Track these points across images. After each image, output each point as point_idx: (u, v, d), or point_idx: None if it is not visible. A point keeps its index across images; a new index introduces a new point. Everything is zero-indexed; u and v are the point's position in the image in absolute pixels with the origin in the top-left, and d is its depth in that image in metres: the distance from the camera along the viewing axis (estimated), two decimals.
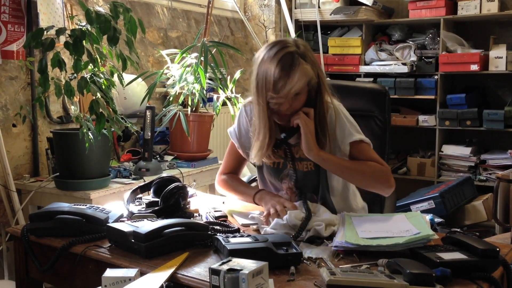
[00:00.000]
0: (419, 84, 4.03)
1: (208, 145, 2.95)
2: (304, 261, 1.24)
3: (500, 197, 3.25)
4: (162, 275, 1.14)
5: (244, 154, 1.78)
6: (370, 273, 1.12)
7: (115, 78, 2.11)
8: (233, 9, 4.05)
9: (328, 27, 4.42)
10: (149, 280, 1.12)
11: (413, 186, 4.07)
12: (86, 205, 1.51)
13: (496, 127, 3.81)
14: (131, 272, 1.14)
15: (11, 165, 2.38)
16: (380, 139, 1.89)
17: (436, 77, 3.99)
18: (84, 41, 1.91)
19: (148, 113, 2.54)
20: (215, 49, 2.82)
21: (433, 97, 4.00)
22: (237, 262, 1.06)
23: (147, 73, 2.79)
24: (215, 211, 1.62)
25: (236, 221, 1.58)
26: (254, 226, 1.52)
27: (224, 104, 2.81)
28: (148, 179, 2.33)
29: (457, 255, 1.20)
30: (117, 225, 1.34)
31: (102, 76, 2.00)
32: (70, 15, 2.60)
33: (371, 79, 4.11)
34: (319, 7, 4.22)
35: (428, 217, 3.40)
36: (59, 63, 1.90)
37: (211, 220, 1.55)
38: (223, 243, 1.23)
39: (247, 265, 1.05)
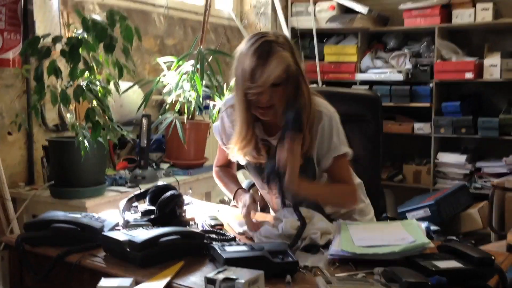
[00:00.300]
0: (414, 92, 4.04)
1: (204, 153, 2.95)
2: (300, 269, 1.24)
3: (495, 205, 3.26)
4: (157, 284, 1.14)
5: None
6: (366, 282, 1.12)
7: (111, 86, 2.11)
8: (229, 17, 4.06)
9: (324, 35, 4.44)
10: None
11: (409, 193, 4.07)
12: (81, 214, 1.50)
13: (491, 135, 3.82)
14: (126, 281, 1.13)
15: (6, 173, 2.37)
16: (373, 142, 1.97)
17: (431, 85, 4.01)
18: (80, 49, 1.91)
19: (144, 121, 2.54)
20: (211, 57, 2.83)
21: (428, 104, 4.02)
22: (233, 271, 1.06)
23: (143, 81, 2.80)
24: (211, 219, 1.62)
25: (232, 229, 1.58)
26: (250, 234, 1.52)
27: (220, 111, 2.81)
28: (144, 187, 2.32)
29: (452, 264, 1.21)
30: (112, 234, 1.34)
31: (98, 84, 2.00)
32: (67, 23, 2.60)
33: (367, 87, 4.12)
34: (315, 15, 4.24)
35: (424, 225, 3.41)
36: (55, 71, 1.90)
37: (207, 228, 1.55)
38: (219, 251, 1.23)
39: (243, 274, 1.05)
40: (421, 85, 4.05)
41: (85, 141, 2.00)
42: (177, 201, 1.56)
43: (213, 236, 1.43)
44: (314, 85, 2.54)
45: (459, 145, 4.13)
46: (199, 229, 1.54)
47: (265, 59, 1.45)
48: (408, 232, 1.39)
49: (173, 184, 1.78)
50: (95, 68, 1.99)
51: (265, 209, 1.75)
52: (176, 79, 2.68)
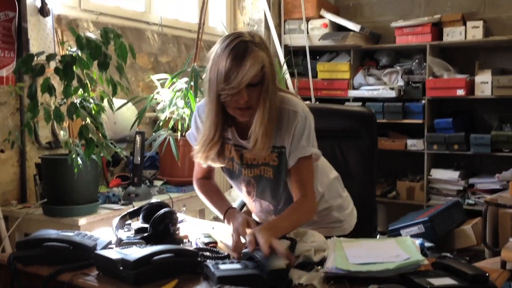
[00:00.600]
0: (407, 109, 4.08)
1: None
2: (295, 287, 1.23)
3: (489, 222, 3.27)
4: None
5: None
6: None
7: (105, 103, 2.11)
8: (223, 35, 4.08)
9: (317, 52, 4.48)
10: None
11: (403, 210, 4.08)
12: (74, 232, 1.49)
13: (483, 151, 3.85)
14: None
15: None
16: (368, 159, 1.97)
17: (423, 101, 4.04)
18: (74, 66, 1.92)
19: (138, 138, 2.54)
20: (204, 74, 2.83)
21: (420, 121, 4.05)
22: None
23: (137, 98, 2.80)
24: (204, 237, 1.61)
25: (227, 247, 1.57)
26: (245, 250, 1.50)
27: None
28: (137, 204, 2.30)
29: (447, 281, 1.20)
30: (105, 252, 1.32)
31: (92, 101, 2.00)
32: (61, 40, 2.61)
33: (360, 104, 4.15)
34: (308, 33, 4.28)
35: (418, 241, 3.40)
36: (49, 89, 1.90)
37: (201, 246, 1.54)
38: (212, 270, 1.22)
39: None
40: (413, 101, 4.09)
41: (78, 159, 2.00)
42: (170, 219, 1.55)
43: (207, 254, 1.43)
44: (308, 102, 2.55)
45: (452, 162, 4.15)
46: (193, 246, 1.53)
47: (240, 60, 1.41)
48: (402, 249, 1.38)
49: (166, 202, 1.77)
50: (89, 85, 1.99)
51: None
52: (170, 96, 2.69)
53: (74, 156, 1.97)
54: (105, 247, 1.45)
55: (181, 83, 2.71)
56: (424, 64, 4.08)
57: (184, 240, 1.57)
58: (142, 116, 2.68)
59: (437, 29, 4.06)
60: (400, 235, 3.54)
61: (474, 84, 3.88)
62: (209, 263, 1.28)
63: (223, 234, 1.69)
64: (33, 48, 2.50)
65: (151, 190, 2.65)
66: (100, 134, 2.03)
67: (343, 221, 1.77)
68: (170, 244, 1.44)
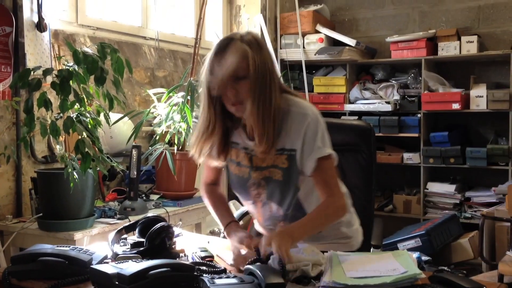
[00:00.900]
0: (403, 122, 4.09)
1: (194, 184, 2.94)
2: None
3: (485, 235, 3.27)
4: None
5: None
6: None
7: (102, 117, 2.11)
8: None
9: (313, 67, 4.50)
10: None
11: (400, 223, 4.07)
12: (69, 247, 1.48)
13: (479, 165, 3.86)
14: None
15: None
16: (366, 172, 1.98)
17: (419, 115, 4.06)
18: (71, 81, 1.92)
19: (134, 152, 2.54)
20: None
21: (416, 135, 4.06)
22: None
23: (133, 112, 2.81)
24: (201, 251, 1.60)
25: (223, 261, 1.57)
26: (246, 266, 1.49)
27: None
28: (133, 218, 2.31)
29: None
30: (101, 267, 1.32)
31: (88, 115, 2.01)
32: (58, 55, 2.62)
33: (356, 117, 4.16)
34: (304, 47, 4.31)
35: (415, 255, 3.40)
36: (45, 103, 1.90)
37: (197, 260, 1.53)
38: (208, 284, 1.21)
39: None
40: (409, 115, 4.11)
41: (74, 173, 1.99)
42: (167, 233, 1.55)
43: (203, 268, 1.42)
44: None
45: (448, 175, 4.16)
46: (189, 261, 1.52)
47: (222, 52, 1.49)
48: (399, 263, 1.38)
49: (163, 216, 1.77)
50: (85, 99, 2.00)
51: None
52: (167, 111, 2.70)
53: (70, 170, 1.96)
54: (101, 261, 1.44)
55: (178, 97, 2.72)
56: (420, 78, 4.10)
57: (181, 255, 1.56)
58: (138, 130, 2.68)
59: (432, 43, 4.09)
60: (396, 248, 3.54)
61: (469, 98, 3.91)
62: (205, 277, 1.27)
63: (220, 248, 1.69)
64: (30, 63, 2.50)
65: (147, 204, 2.64)
66: (97, 148, 2.02)
67: (351, 237, 1.76)
68: (166, 259, 1.43)
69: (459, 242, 3.70)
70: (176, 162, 2.72)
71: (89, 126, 1.99)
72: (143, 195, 2.76)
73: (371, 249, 1.85)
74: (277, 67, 1.62)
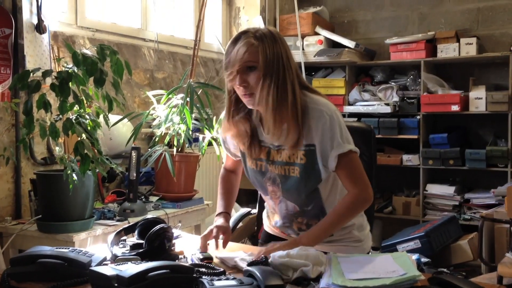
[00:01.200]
0: (402, 124, 4.09)
1: (193, 186, 2.94)
2: None
3: (485, 237, 3.27)
4: None
5: (230, 154, 1.85)
6: None
7: (101, 119, 2.11)
8: (218, 51, 4.12)
9: (312, 68, 4.51)
10: None
11: (399, 225, 4.07)
12: (68, 248, 1.48)
13: (479, 167, 3.86)
14: None
15: None
16: (367, 173, 1.94)
17: (418, 117, 4.06)
18: (70, 83, 1.92)
19: (133, 153, 2.54)
20: (200, 90, 2.85)
21: (416, 136, 4.06)
22: None
23: (133, 114, 2.80)
24: (200, 253, 1.60)
25: (223, 263, 1.56)
26: (241, 263, 1.49)
27: (210, 144, 2.82)
28: (132, 220, 2.30)
29: None
30: (100, 269, 1.31)
31: (87, 117, 2.01)
32: (57, 57, 2.62)
33: (355, 119, 4.17)
34: (303, 49, 4.31)
35: (414, 257, 3.38)
36: (45, 105, 1.90)
37: (196, 262, 1.53)
38: (207, 286, 1.21)
39: None
40: (408, 117, 4.11)
41: (74, 175, 1.99)
42: (166, 235, 1.54)
43: (203, 270, 1.42)
44: None
45: (447, 177, 4.16)
46: (188, 262, 1.52)
47: (233, 45, 1.54)
48: (399, 265, 1.38)
49: (162, 217, 1.77)
50: (84, 101, 2.00)
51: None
52: (166, 112, 2.70)
53: (69, 172, 1.96)
54: (100, 263, 1.43)
55: (177, 99, 2.72)
56: (419, 80, 4.11)
57: (180, 256, 1.56)
58: (138, 132, 2.68)
59: (431, 45, 4.10)
60: (396, 250, 3.54)
61: (468, 99, 3.91)
62: (205, 279, 1.27)
63: (219, 249, 1.68)
64: (29, 65, 2.50)
65: (147, 206, 2.64)
66: (96, 150, 2.02)
67: (363, 240, 1.76)
68: (165, 260, 1.43)
69: (459, 244, 3.70)
70: (176, 164, 2.72)
71: (89, 128, 1.99)
72: (143, 197, 2.76)
73: (370, 251, 1.85)
74: (295, 63, 1.63)
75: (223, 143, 1.84)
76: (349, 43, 4.19)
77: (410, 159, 4.12)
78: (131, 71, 2.11)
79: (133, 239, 1.64)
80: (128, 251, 1.53)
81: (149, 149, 2.77)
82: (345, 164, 1.58)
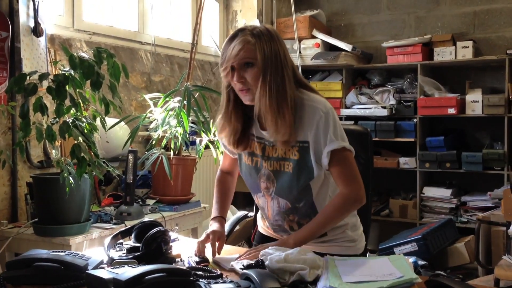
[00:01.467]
0: (399, 127, 4.10)
1: (191, 189, 2.94)
2: None
3: (481, 239, 3.27)
4: None
5: (229, 152, 1.85)
6: None
7: (98, 122, 2.11)
8: (216, 54, 4.12)
9: (309, 72, 4.51)
10: None
11: (396, 228, 4.08)
12: (65, 252, 1.47)
13: (475, 169, 3.87)
14: None
15: None
16: (363, 176, 1.95)
17: (415, 120, 4.07)
18: (67, 86, 1.92)
19: (130, 156, 2.53)
20: (198, 93, 2.85)
21: (412, 139, 4.07)
22: None
23: (129, 117, 2.80)
24: (196, 256, 1.60)
25: (220, 266, 1.56)
26: (237, 266, 1.49)
27: (207, 147, 2.82)
28: (129, 223, 2.30)
29: None
30: (96, 272, 1.31)
31: (84, 120, 2.00)
32: (54, 60, 2.62)
33: (352, 122, 4.17)
34: (300, 52, 4.32)
35: (411, 259, 3.40)
36: (41, 108, 1.90)
37: (194, 265, 1.53)
38: None
39: None
40: (405, 120, 4.12)
41: (70, 178, 1.99)
42: (163, 238, 1.54)
43: (200, 273, 1.41)
44: None
45: (444, 180, 4.17)
46: (185, 266, 1.52)
47: (230, 42, 1.57)
48: (395, 268, 1.38)
49: (159, 220, 1.77)
50: (81, 104, 1.99)
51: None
52: (163, 115, 2.69)
53: (66, 175, 1.96)
54: (97, 266, 1.43)
55: (174, 102, 2.72)
56: (415, 83, 4.12)
57: (177, 259, 1.56)
58: (134, 135, 2.67)
59: (427, 49, 4.11)
60: (393, 253, 3.54)
61: (465, 102, 3.92)
62: (202, 282, 1.27)
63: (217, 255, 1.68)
64: (26, 68, 2.50)
65: (144, 209, 2.64)
66: (93, 153, 2.02)
67: (356, 240, 1.77)
68: (162, 264, 1.43)
69: (455, 247, 3.71)
70: (173, 167, 2.72)
71: (85, 131, 1.98)
72: (139, 200, 2.76)
73: (368, 254, 1.86)
74: (291, 60, 1.64)
75: (221, 140, 1.84)
76: (346, 46, 4.20)
77: (407, 162, 4.12)
78: (128, 74, 2.11)
79: (129, 242, 1.64)
80: (124, 255, 1.53)
81: (146, 152, 2.76)
82: (337, 162, 1.59)
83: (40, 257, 1.42)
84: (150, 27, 3.49)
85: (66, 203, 2.14)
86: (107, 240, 1.60)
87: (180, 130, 2.67)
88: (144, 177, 3.00)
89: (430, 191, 4.07)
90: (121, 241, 1.65)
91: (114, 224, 2.40)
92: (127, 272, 1.27)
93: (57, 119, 1.96)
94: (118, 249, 1.59)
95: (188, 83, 2.78)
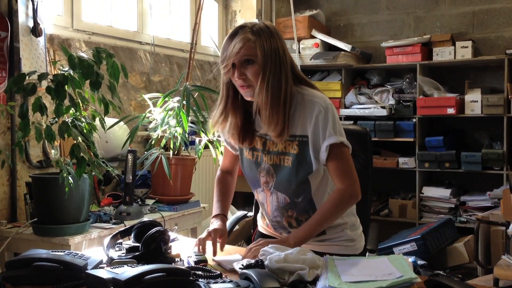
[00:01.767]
0: (398, 127, 4.10)
1: (190, 189, 2.94)
2: None
3: (480, 239, 3.28)
4: None
5: (230, 148, 1.85)
6: None
7: (97, 122, 2.11)
8: (215, 54, 4.12)
9: (309, 72, 4.51)
10: None
11: (395, 228, 4.08)
12: (64, 252, 1.47)
13: (474, 169, 3.87)
14: None
15: None
16: (363, 176, 1.96)
17: (414, 120, 4.07)
18: (66, 86, 1.92)
19: (129, 156, 2.53)
20: (197, 93, 2.85)
21: (412, 139, 4.07)
22: None
23: (129, 117, 2.80)
24: (195, 255, 1.60)
25: (221, 266, 1.56)
26: (237, 266, 1.49)
27: (206, 147, 2.82)
28: (129, 223, 2.30)
29: None
30: (96, 272, 1.31)
31: (83, 120, 2.00)
32: (53, 60, 2.62)
33: (351, 122, 4.18)
34: (299, 52, 4.32)
35: (410, 259, 3.40)
36: (41, 108, 1.90)
37: (193, 265, 1.53)
38: None
39: None
40: (404, 120, 4.12)
41: (69, 178, 1.98)
42: (162, 238, 1.54)
43: (199, 273, 1.41)
44: None
45: (443, 179, 4.17)
46: (184, 265, 1.52)
47: (230, 39, 1.59)
48: (395, 267, 1.38)
49: (158, 220, 1.76)
50: (80, 104, 1.99)
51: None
52: (162, 115, 2.69)
53: (65, 175, 1.95)
54: (96, 266, 1.43)
55: (173, 102, 2.72)
56: (415, 83, 4.12)
57: (176, 259, 1.56)
58: (134, 135, 2.67)
59: (427, 49, 4.11)
60: (392, 252, 3.54)
61: (464, 102, 3.93)
62: (201, 282, 1.27)
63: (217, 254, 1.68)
64: (25, 68, 2.50)
65: (143, 208, 2.64)
66: (92, 153, 2.02)
67: (355, 240, 1.77)
68: (161, 263, 1.43)
69: (455, 246, 3.71)
70: (172, 167, 2.72)
71: (85, 131, 1.98)
72: (139, 200, 2.76)
73: (367, 254, 1.85)
74: (290, 56, 1.66)
75: (223, 135, 1.84)
76: (345, 46, 4.20)
77: (406, 162, 4.12)
78: (127, 74, 2.11)
79: (129, 242, 1.64)
80: (124, 254, 1.53)
81: (145, 152, 2.76)
82: (335, 156, 1.61)
83: (39, 257, 1.42)
84: (149, 27, 3.49)
85: (66, 203, 2.14)
86: (107, 240, 1.60)
87: (179, 130, 2.67)
88: (143, 177, 2.99)
89: (430, 191, 4.07)
90: (120, 241, 1.64)
91: (114, 224, 2.40)
92: (127, 272, 1.27)
93: (56, 119, 1.96)
94: (117, 249, 1.59)
95: (187, 83, 2.78)
